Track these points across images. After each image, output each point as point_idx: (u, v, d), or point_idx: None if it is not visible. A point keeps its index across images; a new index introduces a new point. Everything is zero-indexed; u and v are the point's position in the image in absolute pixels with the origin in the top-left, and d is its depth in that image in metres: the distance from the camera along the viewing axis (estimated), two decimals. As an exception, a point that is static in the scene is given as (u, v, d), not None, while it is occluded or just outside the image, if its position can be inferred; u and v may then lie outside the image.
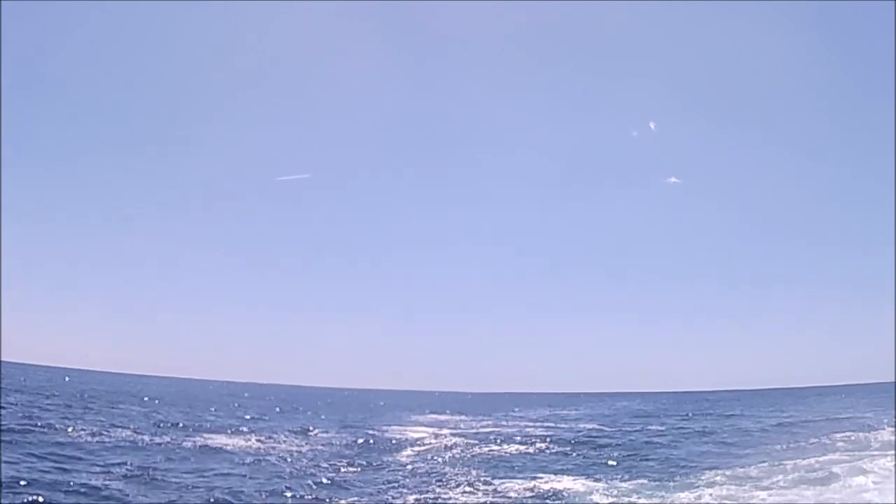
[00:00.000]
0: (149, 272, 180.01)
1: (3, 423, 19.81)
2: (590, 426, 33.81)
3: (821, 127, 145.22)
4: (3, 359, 68.58)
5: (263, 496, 13.24)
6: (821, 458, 17.29)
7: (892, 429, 22.99)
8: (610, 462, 18.99)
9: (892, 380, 60.60)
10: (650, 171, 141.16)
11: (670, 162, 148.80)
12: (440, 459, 19.17)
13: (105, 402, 36.14)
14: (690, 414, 41.51)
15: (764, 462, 17.14)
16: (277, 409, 44.07)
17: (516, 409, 54.24)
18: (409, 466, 17.81)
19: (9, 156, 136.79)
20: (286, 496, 13.30)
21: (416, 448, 22.36)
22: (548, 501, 13.68)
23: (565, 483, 15.40)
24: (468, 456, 19.99)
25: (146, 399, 43.90)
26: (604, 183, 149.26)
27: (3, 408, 24.82)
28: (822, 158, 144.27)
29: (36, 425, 20.53)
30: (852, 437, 21.73)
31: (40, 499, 11.50)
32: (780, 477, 14.63)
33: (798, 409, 43.51)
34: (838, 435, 22.83)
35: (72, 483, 12.78)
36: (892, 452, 16.57)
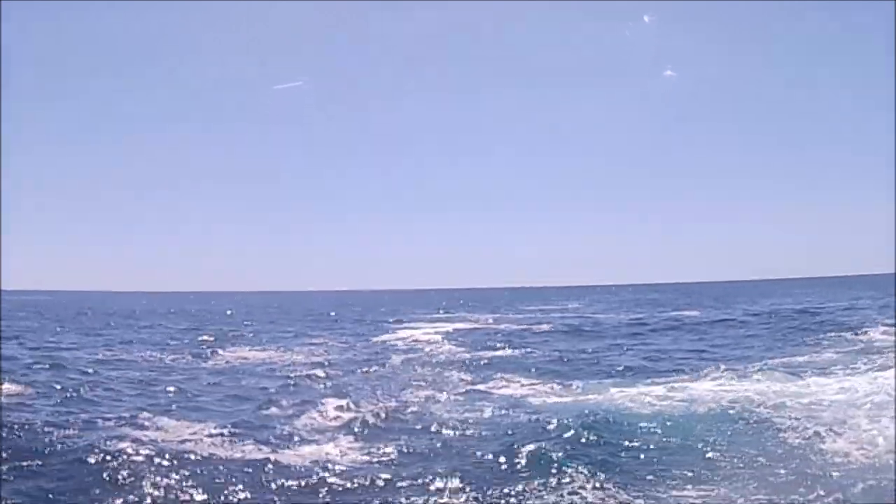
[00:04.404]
0: (147, 187, 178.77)
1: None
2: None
3: (816, 28, 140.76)
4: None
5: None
6: (817, 355, 17.38)
7: (892, 322, 22.88)
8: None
9: (893, 271, 61.01)
10: (647, 64, 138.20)
11: (666, 55, 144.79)
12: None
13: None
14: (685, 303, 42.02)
15: (760, 359, 17.05)
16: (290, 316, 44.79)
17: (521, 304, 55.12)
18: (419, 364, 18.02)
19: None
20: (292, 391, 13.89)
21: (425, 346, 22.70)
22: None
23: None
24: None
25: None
26: (602, 78, 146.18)
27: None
28: (817, 55, 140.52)
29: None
30: (855, 330, 21.82)
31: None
32: (770, 370, 14.61)
33: (802, 298, 44.04)
34: (836, 328, 23.11)
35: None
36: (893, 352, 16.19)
